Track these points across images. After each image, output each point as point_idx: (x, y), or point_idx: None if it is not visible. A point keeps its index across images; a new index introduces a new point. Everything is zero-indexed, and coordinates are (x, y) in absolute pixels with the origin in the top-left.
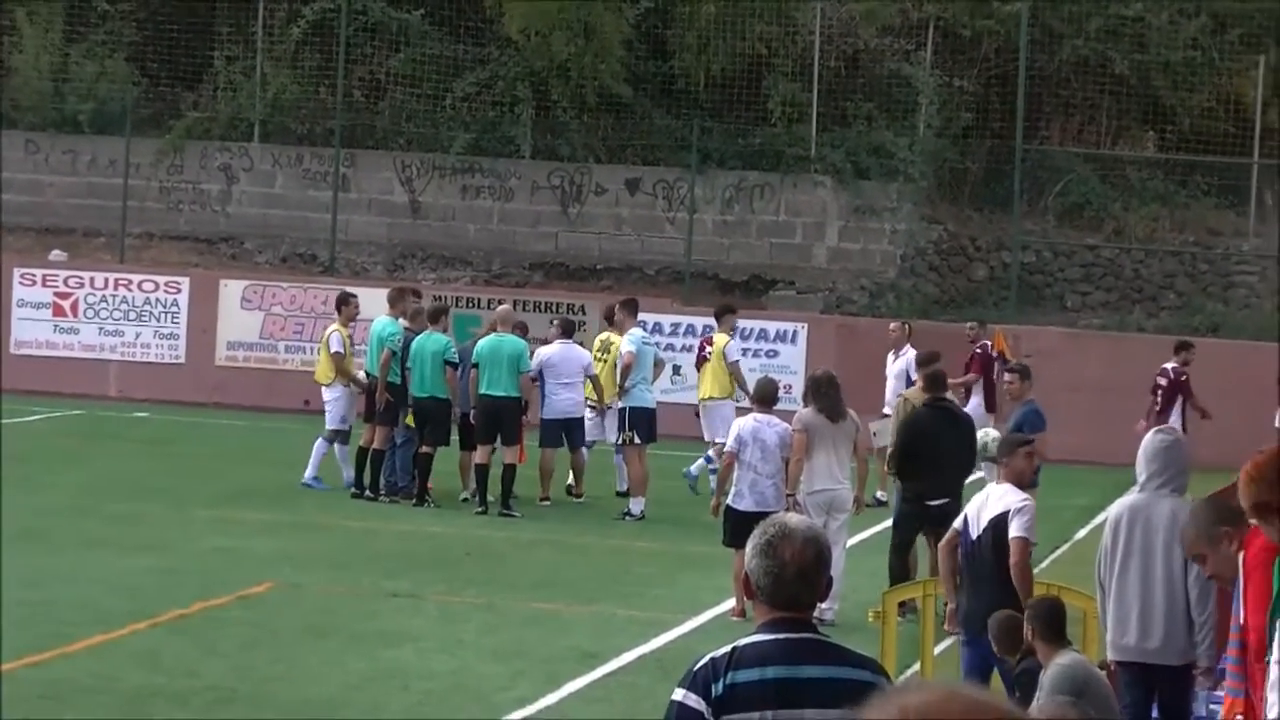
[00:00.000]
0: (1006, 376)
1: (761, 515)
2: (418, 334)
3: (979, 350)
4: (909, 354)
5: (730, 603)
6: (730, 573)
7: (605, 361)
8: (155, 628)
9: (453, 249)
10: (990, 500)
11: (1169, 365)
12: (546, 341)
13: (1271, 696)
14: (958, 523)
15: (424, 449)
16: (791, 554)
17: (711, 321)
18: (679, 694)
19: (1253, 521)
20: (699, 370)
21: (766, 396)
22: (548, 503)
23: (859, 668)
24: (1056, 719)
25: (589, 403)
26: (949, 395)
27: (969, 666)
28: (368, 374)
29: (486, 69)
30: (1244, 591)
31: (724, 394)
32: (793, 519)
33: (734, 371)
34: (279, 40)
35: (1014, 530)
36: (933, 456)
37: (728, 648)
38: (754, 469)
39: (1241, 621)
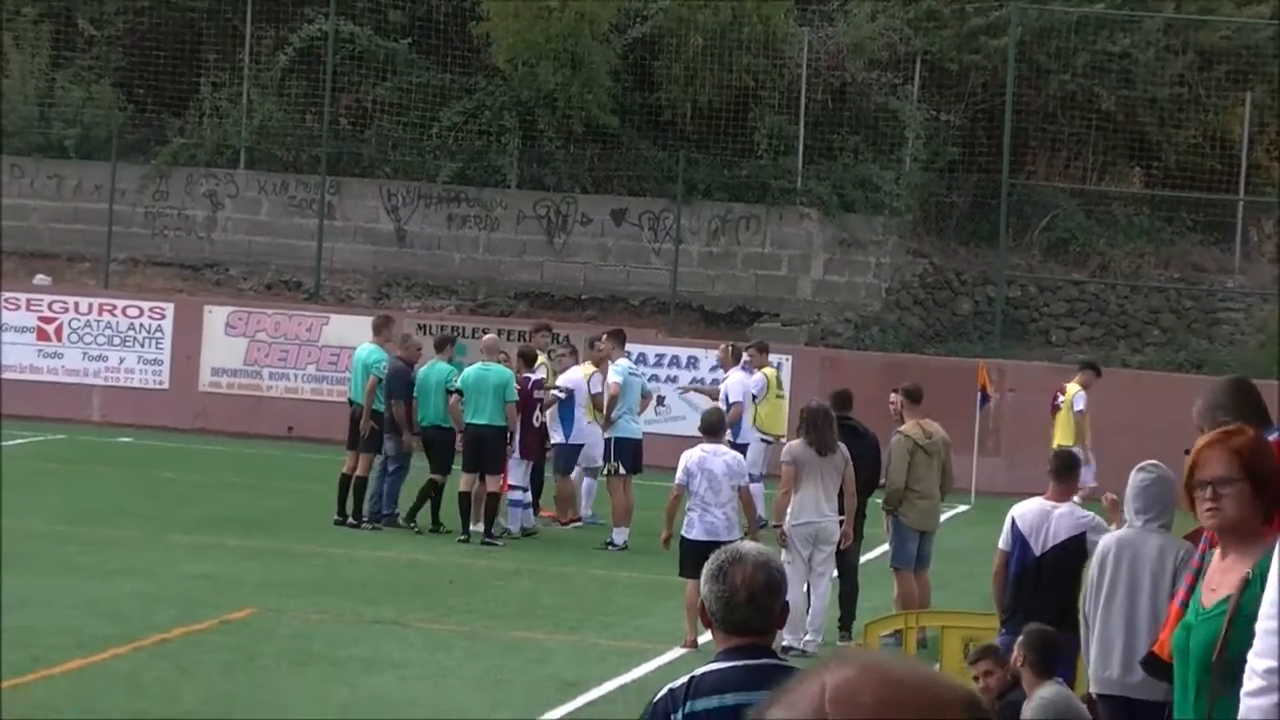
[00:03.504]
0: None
1: (713, 544)
2: (408, 363)
3: None
4: (733, 375)
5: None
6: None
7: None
8: (137, 652)
9: (438, 278)
10: (1056, 519)
11: None
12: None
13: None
14: (1005, 542)
15: (434, 477)
16: (742, 578)
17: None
18: None
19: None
20: (1052, 417)
21: (712, 427)
22: (578, 524)
23: None
24: None
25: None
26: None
27: None
28: (351, 401)
29: (473, 98)
30: None
31: (1074, 443)
32: (745, 545)
33: (1078, 421)
34: (265, 67)
35: None
36: None
37: (685, 678)
38: (703, 499)
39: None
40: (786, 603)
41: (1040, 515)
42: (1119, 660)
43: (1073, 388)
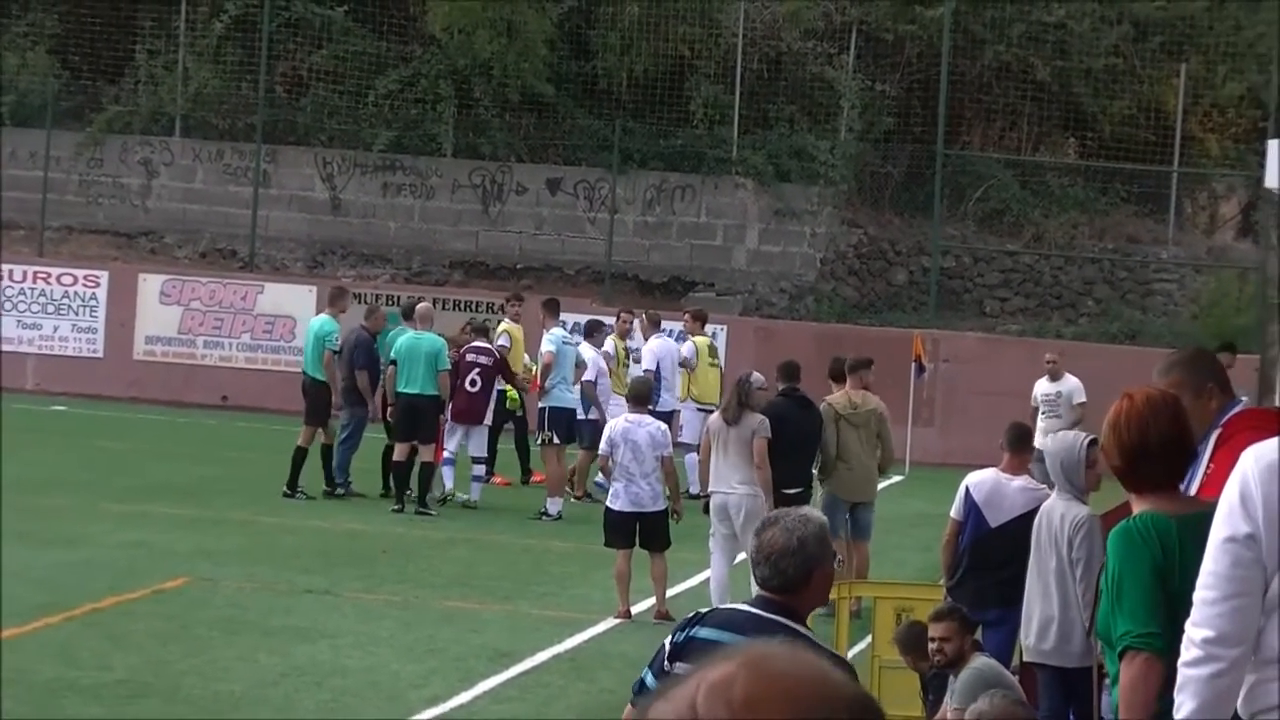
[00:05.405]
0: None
1: (637, 515)
2: (372, 333)
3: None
4: (651, 341)
5: (649, 602)
6: (649, 573)
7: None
8: (68, 621)
9: (373, 246)
10: (1012, 492)
11: None
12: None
13: (1179, 698)
14: (958, 511)
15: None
16: (768, 538)
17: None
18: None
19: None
20: None
21: (640, 396)
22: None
23: None
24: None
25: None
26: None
27: (995, 652)
28: (305, 373)
29: (409, 66)
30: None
31: None
32: (792, 510)
33: None
34: (201, 35)
35: None
36: (790, 446)
37: (709, 608)
38: (627, 470)
39: None
40: (817, 571)
41: (995, 486)
42: (1036, 627)
43: None
